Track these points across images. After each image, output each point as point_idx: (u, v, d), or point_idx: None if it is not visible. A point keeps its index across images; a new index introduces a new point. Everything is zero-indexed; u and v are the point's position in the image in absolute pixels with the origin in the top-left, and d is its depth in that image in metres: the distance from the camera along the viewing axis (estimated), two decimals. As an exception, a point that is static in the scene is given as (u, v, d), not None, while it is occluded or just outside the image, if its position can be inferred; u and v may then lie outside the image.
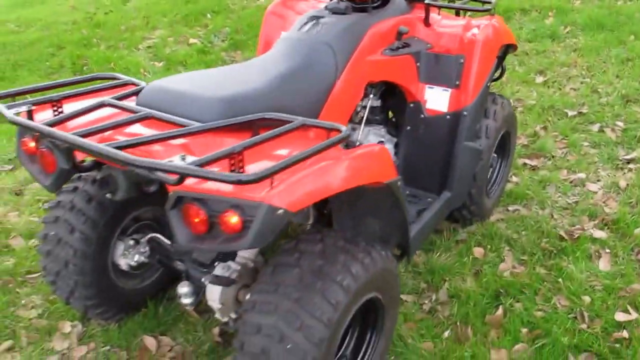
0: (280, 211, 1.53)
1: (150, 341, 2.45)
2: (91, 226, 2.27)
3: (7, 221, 3.29)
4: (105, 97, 2.00)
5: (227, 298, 2.11)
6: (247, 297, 1.90)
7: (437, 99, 2.68)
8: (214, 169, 1.56)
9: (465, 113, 2.64)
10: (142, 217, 2.47)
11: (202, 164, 1.49)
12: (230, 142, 1.65)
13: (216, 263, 2.18)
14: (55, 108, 1.96)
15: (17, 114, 1.81)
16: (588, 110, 4.17)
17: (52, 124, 1.75)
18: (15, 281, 2.84)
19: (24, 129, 1.98)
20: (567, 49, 5.44)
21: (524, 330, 2.38)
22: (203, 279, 2.17)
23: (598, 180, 3.39)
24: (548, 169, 3.52)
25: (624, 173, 3.48)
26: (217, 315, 2.17)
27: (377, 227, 2.32)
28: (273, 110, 1.93)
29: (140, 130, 1.84)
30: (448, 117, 2.66)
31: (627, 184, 3.34)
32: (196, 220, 1.60)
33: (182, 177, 1.51)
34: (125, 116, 1.85)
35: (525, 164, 3.58)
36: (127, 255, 2.40)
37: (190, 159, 1.59)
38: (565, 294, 2.56)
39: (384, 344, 2.18)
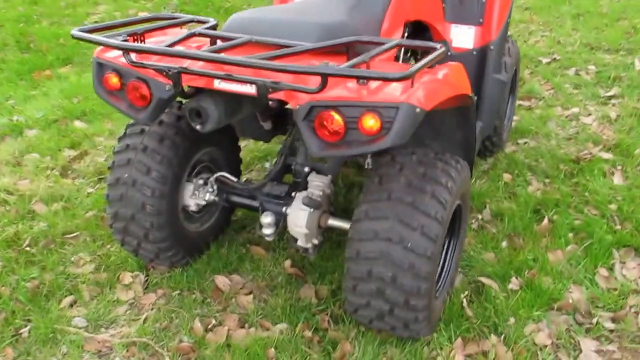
0: (418, 110, 1.79)
1: (221, 280, 2.59)
2: (167, 165, 2.38)
3: (21, 189, 3.31)
4: (197, 29, 2.16)
5: (312, 223, 2.32)
6: (359, 207, 2.11)
7: (462, 37, 3.00)
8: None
9: (492, 47, 2.98)
10: (201, 159, 2.61)
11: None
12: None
13: (293, 193, 2.39)
14: (139, 41, 2.09)
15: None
16: (560, 57, 4.65)
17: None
18: (55, 242, 2.89)
19: (100, 66, 2.10)
20: (519, 9, 5.95)
21: (570, 234, 2.77)
22: (283, 209, 2.38)
23: (589, 115, 3.86)
24: (542, 108, 3.97)
25: (610, 107, 3.97)
26: (299, 243, 2.37)
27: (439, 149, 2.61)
28: None
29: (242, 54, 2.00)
30: (474, 52, 2.99)
31: (617, 115, 3.83)
32: (331, 127, 1.81)
33: (325, 81, 1.70)
34: (225, 43, 2.02)
35: (520, 105, 4.00)
36: (197, 196, 2.54)
37: (332, 64, 1.79)
38: (594, 204, 2.98)
39: (459, 252, 2.47)
